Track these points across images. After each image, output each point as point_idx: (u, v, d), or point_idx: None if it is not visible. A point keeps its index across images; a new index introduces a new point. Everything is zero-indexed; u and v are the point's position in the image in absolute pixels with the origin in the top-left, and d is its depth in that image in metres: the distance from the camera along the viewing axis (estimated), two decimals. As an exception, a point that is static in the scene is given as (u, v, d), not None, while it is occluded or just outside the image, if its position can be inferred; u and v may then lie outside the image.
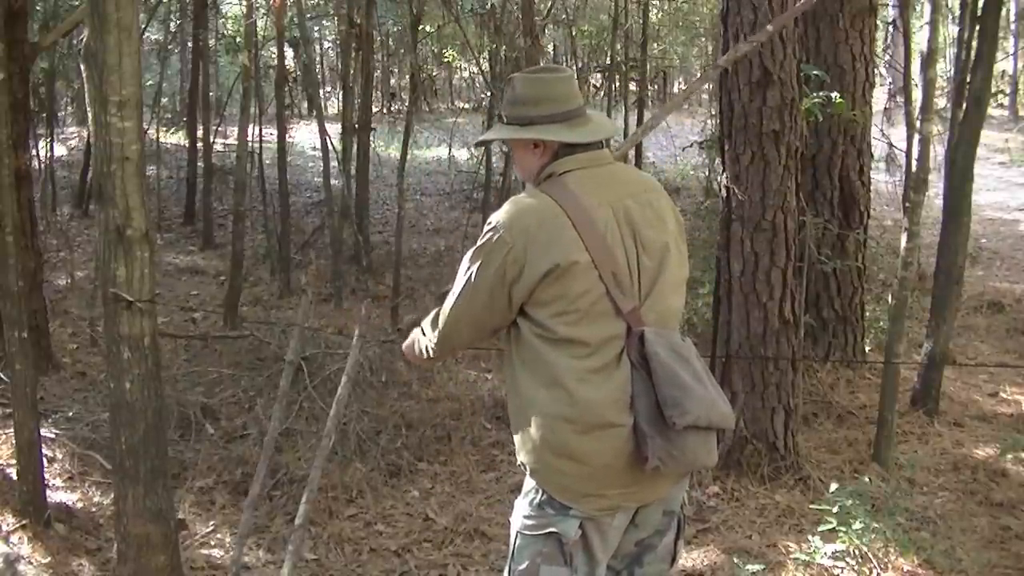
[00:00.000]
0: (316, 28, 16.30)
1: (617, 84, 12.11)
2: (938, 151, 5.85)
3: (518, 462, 2.10)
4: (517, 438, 2.08)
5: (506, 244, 1.98)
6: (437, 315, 2.20)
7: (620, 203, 2.04)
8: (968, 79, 4.99)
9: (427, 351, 2.24)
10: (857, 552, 3.38)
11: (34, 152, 8.70)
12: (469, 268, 2.05)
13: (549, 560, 2.02)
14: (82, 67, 2.81)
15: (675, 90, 22.17)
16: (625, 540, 2.11)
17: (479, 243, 2.04)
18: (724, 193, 4.26)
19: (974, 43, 5.09)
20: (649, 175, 2.32)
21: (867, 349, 5.81)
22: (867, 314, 5.88)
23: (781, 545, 3.63)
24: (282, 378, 3.06)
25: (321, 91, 16.97)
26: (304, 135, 14.64)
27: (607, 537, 2.05)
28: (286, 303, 7.73)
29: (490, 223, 2.03)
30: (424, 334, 2.25)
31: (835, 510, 3.47)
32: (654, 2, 12.82)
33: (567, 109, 2.10)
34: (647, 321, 2.00)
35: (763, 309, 4.13)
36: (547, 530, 2.02)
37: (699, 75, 21.70)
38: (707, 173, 11.07)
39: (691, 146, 10.16)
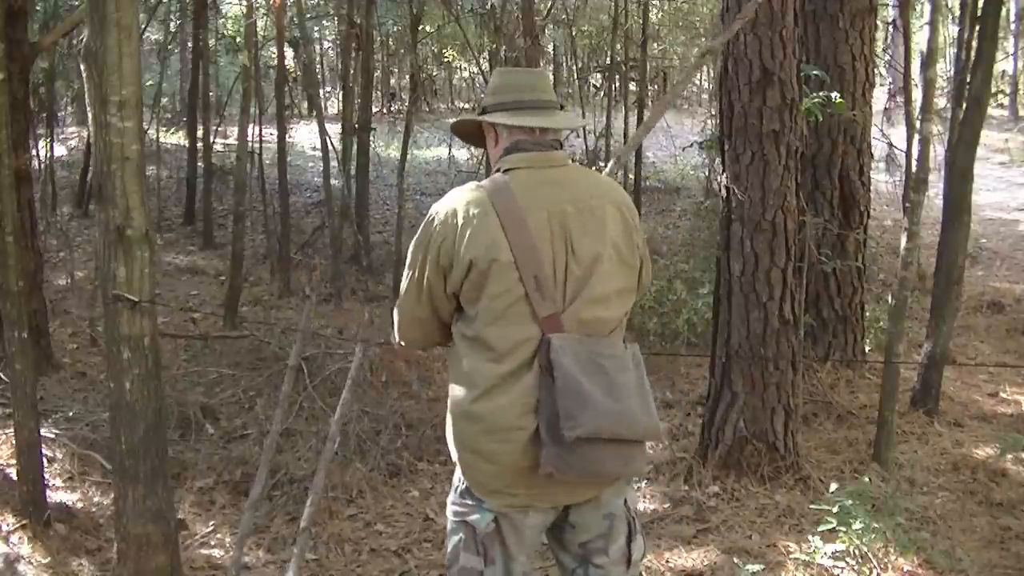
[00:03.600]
0: (316, 28, 16.30)
1: (617, 84, 12.11)
2: (938, 151, 5.85)
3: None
4: (446, 431, 2.15)
5: (439, 235, 2.03)
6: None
7: (558, 208, 2.03)
8: (968, 79, 4.99)
9: (396, 342, 2.29)
10: (857, 552, 3.38)
11: (34, 152, 8.69)
12: (412, 261, 2.10)
13: (466, 547, 2.08)
14: (82, 67, 2.81)
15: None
16: (568, 540, 2.15)
17: (417, 235, 2.10)
18: (724, 193, 4.26)
19: (974, 43, 5.09)
20: (609, 180, 2.30)
21: (867, 349, 5.81)
22: (867, 314, 5.87)
23: (781, 545, 3.63)
24: (284, 382, 3.06)
25: (321, 91, 16.96)
26: (304, 135, 14.65)
27: (522, 534, 2.08)
28: (286, 303, 7.74)
29: (429, 214, 2.08)
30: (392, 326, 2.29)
31: (835, 510, 3.46)
32: (654, 2, 12.82)
33: (523, 98, 2.12)
34: (568, 328, 1.99)
35: (763, 309, 4.13)
36: (465, 519, 2.08)
37: (697, 75, 21.70)
38: (707, 173, 11.07)
39: (691, 146, 10.17)
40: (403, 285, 2.14)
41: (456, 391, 2.06)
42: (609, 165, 3.29)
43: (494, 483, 2.02)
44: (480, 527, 2.05)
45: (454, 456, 2.10)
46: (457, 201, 2.05)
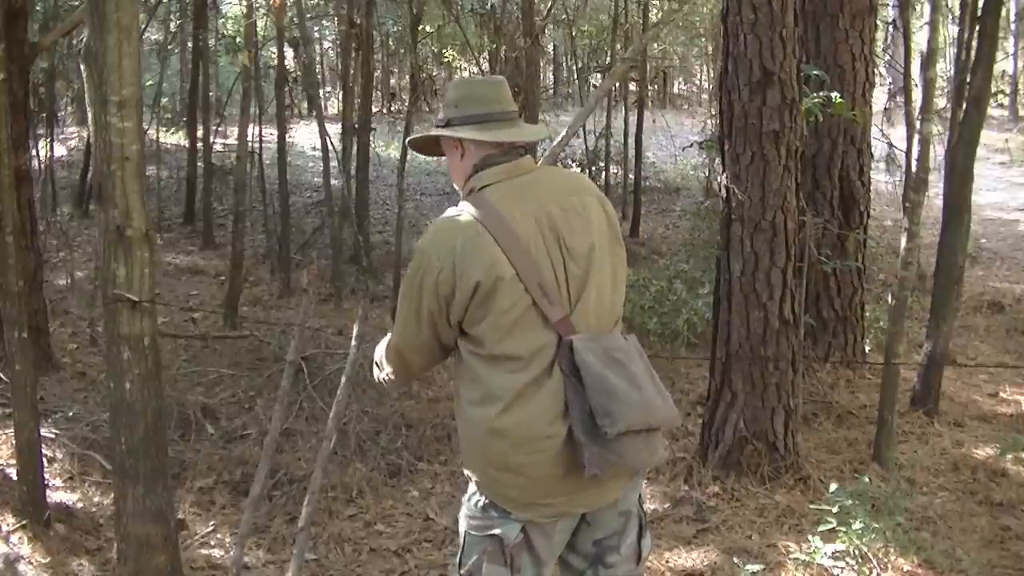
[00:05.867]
0: (316, 28, 16.29)
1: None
2: (938, 151, 5.85)
3: (465, 474, 2.13)
4: (463, 452, 2.13)
5: (435, 267, 2.00)
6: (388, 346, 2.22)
7: (543, 212, 2.03)
8: (968, 79, 4.98)
9: (387, 382, 2.27)
10: (857, 552, 3.38)
11: (34, 152, 8.69)
12: (407, 298, 2.07)
13: (491, 559, 2.05)
14: (82, 67, 2.81)
15: (675, 90, 22.17)
16: (582, 539, 2.13)
17: (409, 272, 2.07)
18: (724, 193, 4.26)
19: (974, 43, 5.09)
20: (576, 173, 2.32)
21: (867, 349, 5.81)
22: (867, 314, 5.87)
23: (781, 545, 3.63)
24: (283, 378, 3.06)
25: (321, 91, 16.96)
26: (304, 135, 14.64)
27: (552, 540, 2.08)
28: (286, 303, 7.74)
29: (418, 249, 2.06)
30: (378, 366, 2.27)
31: (835, 510, 3.46)
32: (654, 2, 12.82)
33: (487, 111, 2.10)
34: (579, 328, 2.00)
35: (763, 309, 4.13)
36: (490, 532, 2.05)
37: (697, 75, 21.71)
38: (707, 173, 11.08)
39: (691, 146, 10.17)
40: (399, 321, 2.12)
41: (474, 410, 2.02)
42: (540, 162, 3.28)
43: (527, 497, 2.01)
44: (509, 538, 2.03)
45: (476, 477, 2.07)
46: (446, 230, 2.03)
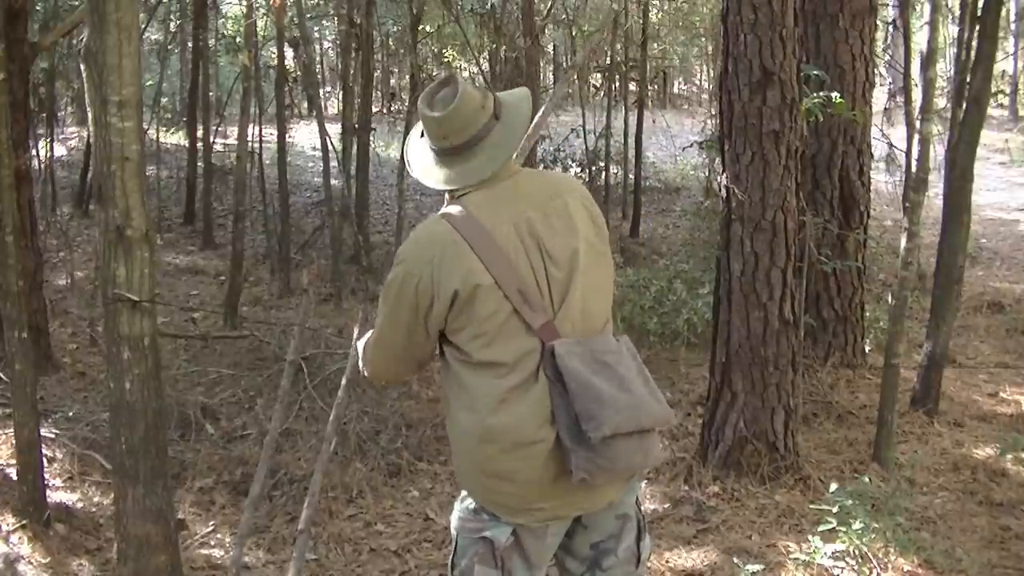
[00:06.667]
0: (316, 28, 16.30)
1: (617, 84, 12.12)
2: (938, 151, 5.85)
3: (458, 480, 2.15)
4: (455, 463, 2.14)
5: (414, 276, 2.01)
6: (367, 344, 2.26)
7: (522, 217, 2.02)
8: (968, 79, 4.99)
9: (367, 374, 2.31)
10: (857, 552, 3.38)
11: (34, 152, 8.70)
12: (385, 306, 2.09)
13: (483, 561, 2.06)
14: (82, 67, 2.81)
15: (675, 90, 22.17)
16: (578, 542, 2.13)
17: (389, 279, 2.07)
18: (724, 193, 4.26)
19: (974, 43, 5.09)
20: (559, 174, 2.31)
21: (867, 349, 5.80)
22: (867, 314, 5.87)
23: (781, 545, 3.63)
24: (283, 378, 3.07)
25: (321, 91, 16.96)
26: (304, 135, 14.64)
27: (544, 542, 2.08)
28: (286, 303, 7.74)
29: (397, 257, 2.07)
30: (361, 360, 2.30)
31: (835, 510, 3.47)
32: (654, 2, 12.82)
33: (446, 146, 2.07)
34: (563, 332, 1.99)
35: (763, 309, 4.13)
36: (481, 535, 2.06)
37: (697, 75, 21.73)
38: (707, 173, 11.08)
39: (691, 146, 10.18)
40: (378, 324, 2.13)
41: (464, 416, 2.02)
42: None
43: (519, 502, 2.01)
44: (500, 541, 2.03)
45: (468, 485, 2.08)
46: (424, 239, 2.04)
